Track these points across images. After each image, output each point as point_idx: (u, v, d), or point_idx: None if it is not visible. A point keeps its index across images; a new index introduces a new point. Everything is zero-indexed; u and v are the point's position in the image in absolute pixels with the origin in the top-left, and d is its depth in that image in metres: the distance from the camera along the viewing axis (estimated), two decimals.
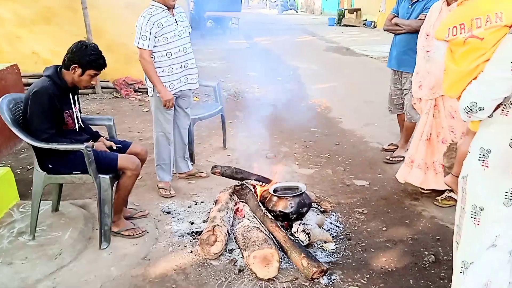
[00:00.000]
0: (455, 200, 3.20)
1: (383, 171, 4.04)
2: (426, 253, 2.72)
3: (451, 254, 2.69)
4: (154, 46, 3.27)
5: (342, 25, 20.77)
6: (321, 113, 6.08)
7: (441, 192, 3.38)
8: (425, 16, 3.68)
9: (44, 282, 2.45)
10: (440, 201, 3.35)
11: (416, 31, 3.77)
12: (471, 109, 1.59)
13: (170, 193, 3.53)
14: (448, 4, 3.12)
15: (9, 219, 3.04)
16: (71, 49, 2.64)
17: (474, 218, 1.68)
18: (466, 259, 1.73)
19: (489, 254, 1.68)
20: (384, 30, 4.17)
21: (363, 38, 15.51)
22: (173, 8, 3.31)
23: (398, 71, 4.11)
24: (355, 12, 21.61)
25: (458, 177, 1.79)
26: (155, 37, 3.25)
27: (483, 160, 1.63)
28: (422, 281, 2.47)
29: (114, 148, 2.89)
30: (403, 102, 4.17)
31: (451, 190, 3.21)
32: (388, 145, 4.52)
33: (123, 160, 2.76)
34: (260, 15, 28.56)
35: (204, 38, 14.27)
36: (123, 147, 2.96)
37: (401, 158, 4.18)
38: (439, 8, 3.20)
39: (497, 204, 1.62)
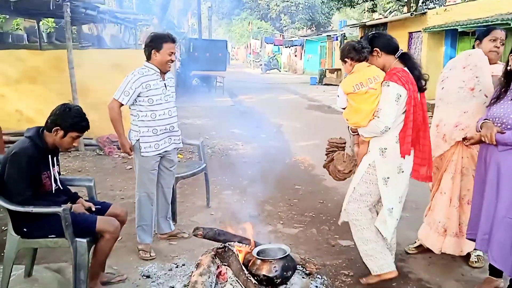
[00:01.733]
0: (486, 261, 3.16)
1: None
2: None
3: None
4: (138, 105, 3.33)
5: (324, 84, 21.52)
6: (304, 170, 6.11)
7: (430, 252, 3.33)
8: None
9: None
10: (474, 262, 3.26)
11: None
12: (385, 130, 2.74)
13: (150, 255, 3.41)
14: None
15: None
16: (54, 111, 2.65)
17: (386, 184, 2.83)
18: (389, 206, 2.85)
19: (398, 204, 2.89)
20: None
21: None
22: (170, 68, 3.43)
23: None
24: (335, 72, 22.50)
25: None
26: (140, 97, 3.30)
27: (382, 154, 2.82)
28: None
29: (93, 209, 2.82)
30: None
31: (476, 249, 3.11)
32: None
33: (101, 222, 2.68)
34: (244, 74, 29.45)
35: (189, 96, 14.54)
36: (102, 208, 2.90)
37: None
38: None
39: (395, 173, 2.81)
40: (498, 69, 3.01)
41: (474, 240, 2.82)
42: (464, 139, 2.87)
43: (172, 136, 3.52)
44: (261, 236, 3.70)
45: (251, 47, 40.74)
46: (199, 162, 4.59)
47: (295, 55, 34.39)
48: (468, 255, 3.29)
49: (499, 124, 2.60)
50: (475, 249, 3.08)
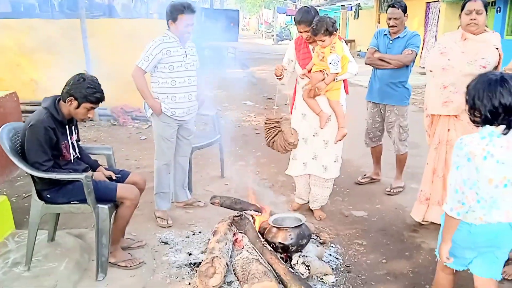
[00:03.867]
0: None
1: (381, 202, 4.04)
2: (428, 286, 2.70)
3: None
4: (159, 72, 3.35)
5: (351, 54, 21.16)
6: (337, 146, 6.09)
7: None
8: (411, 52, 3.82)
9: None
10: None
11: (404, 66, 3.88)
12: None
13: (168, 223, 3.50)
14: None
15: (3, 249, 2.99)
16: (69, 82, 2.66)
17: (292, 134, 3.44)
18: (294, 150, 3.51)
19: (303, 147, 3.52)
20: (366, 64, 4.23)
21: (358, 68, 15.72)
22: (189, 38, 3.43)
23: (380, 104, 4.17)
24: (349, 43, 22.06)
25: None
26: (161, 63, 3.32)
27: (294, 107, 3.56)
28: None
29: (113, 178, 2.88)
30: (380, 135, 4.34)
31: None
32: (362, 178, 4.54)
33: (122, 189, 2.74)
34: (256, 45, 29.07)
35: (200, 67, 14.46)
36: (122, 176, 2.96)
37: (401, 189, 4.21)
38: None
39: (301, 121, 3.47)
40: (488, 37, 2.98)
41: None
42: None
43: (191, 106, 3.55)
44: (275, 205, 3.77)
45: (263, 17, 40.02)
46: (214, 133, 4.62)
47: None
48: None
49: None
50: None
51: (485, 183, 1.85)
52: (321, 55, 3.23)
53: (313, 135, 3.50)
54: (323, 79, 3.24)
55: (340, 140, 3.47)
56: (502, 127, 1.84)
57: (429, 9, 14.79)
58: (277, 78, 3.45)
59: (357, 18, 22.08)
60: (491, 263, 2.02)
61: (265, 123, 3.58)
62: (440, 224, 3.28)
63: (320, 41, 3.18)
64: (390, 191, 4.18)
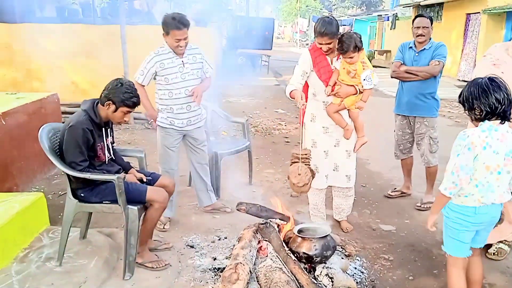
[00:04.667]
0: (506, 252, 3.17)
1: (411, 216, 3.96)
2: None
3: None
4: (157, 84, 3.43)
5: (372, 66, 20.90)
6: (356, 155, 6.04)
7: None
8: (439, 63, 3.79)
9: None
10: (492, 254, 3.20)
11: (431, 77, 3.84)
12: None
13: (164, 227, 3.54)
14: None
15: (38, 244, 3.12)
16: (107, 86, 2.77)
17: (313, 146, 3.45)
18: (315, 163, 3.42)
19: (324, 160, 3.46)
20: (392, 77, 4.17)
21: (392, 79, 15.47)
22: (183, 52, 3.39)
23: (409, 116, 4.12)
24: (384, 54, 21.78)
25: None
26: (158, 76, 3.38)
27: (311, 120, 3.45)
28: None
29: (144, 180, 2.96)
30: (410, 146, 4.26)
31: (501, 242, 3.18)
32: (393, 191, 4.45)
33: (151, 192, 2.82)
34: (290, 53, 29.11)
35: (234, 74, 14.63)
36: (152, 179, 3.04)
37: (431, 205, 4.09)
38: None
39: (323, 134, 3.42)
40: None
41: None
42: None
43: (191, 117, 3.53)
44: (301, 215, 3.76)
45: (298, 25, 40.07)
46: (243, 140, 4.67)
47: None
48: (488, 246, 3.19)
49: None
50: (499, 241, 3.12)
51: (483, 170, 2.17)
52: (353, 72, 3.20)
53: (335, 146, 3.45)
54: (355, 94, 3.23)
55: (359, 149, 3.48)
56: (498, 121, 2.16)
57: (469, 20, 14.40)
58: (299, 107, 3.24)
59: (394, 28, 21.75)
60: (483, 236, 2.41)
61: (291, 158, 3.41)
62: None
63: (349, 58, 3.16)
64: (420, 206, 4.09)
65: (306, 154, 3.28)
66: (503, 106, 2.11)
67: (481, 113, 2.16)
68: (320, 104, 3.41)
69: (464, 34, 14.62)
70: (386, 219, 3.90)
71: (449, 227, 2.33)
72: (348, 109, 3.35)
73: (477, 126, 2.19)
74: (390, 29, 22.34)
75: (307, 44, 32.57)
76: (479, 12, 13.38)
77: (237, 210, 3.20)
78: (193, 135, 3.63)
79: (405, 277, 2.95)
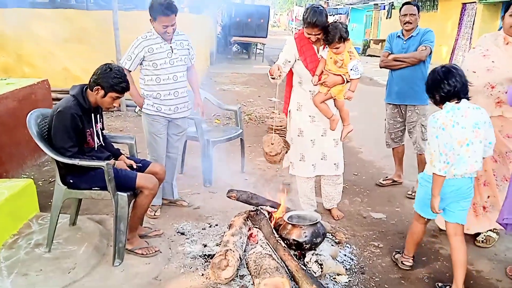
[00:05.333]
0: (494, 239, 3.23)
1: (401, 205, 3.98)
2: None
3: None
4: (144, 69, 3.34)
5: (367, 55, 20.85)
6: (342, 143, 6.04)
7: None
8: (426, 47, 3.82)
9: None
10: (481, 242, 3.25)
11: (420, 62, 3.86)
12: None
13: (155, 214, 3.53)
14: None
15: (27, 230, 3.11)
16: (96, 71, 2.73)
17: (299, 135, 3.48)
18: (302, 152, 3.49)
19: (311, 149, 3.48)
20: (381, 67, 4.18)
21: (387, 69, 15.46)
22: (171, 38, 3.33)
23: (400, 105, 4.14)
24: (380, 43, 21.67)
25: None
26: (145, 61, 3.30)
27: (298, 109, 3.45)
28: None
29: (134, 167, 2.95)
30: (402, 135, 4.30)
31: (490, 230, 3.25)
32: (384, 180, 4.48)
33: (141, 179, 2.81)
34: (285, 42, 28.97)
35: (228, 62, 14.54)
36: (143, 166, 3.02)
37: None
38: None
39: (309, 123, 3.43)
40: None
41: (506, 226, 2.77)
42: None
43: (178, 104, 3.46)
44: (293, 203, 3.76)
45: (294, 14, 39.79)
46: (236, 127, 4.65)
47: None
48: (477, 234, 3.26)
49: None
50: (489, 230, 3.22)
51: (455, 145, 2.43)
52: (340, 62, 3.20)
53: (322, 135, 3.45)
54: (342, 83, 3.23)
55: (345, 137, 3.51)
56: (455, 101, 2.47)
57: (464, 10, 14.35)
58: (271, 78, 3.21)
59: (390, 17, 21.63)
60: (457, 211, 2.61)
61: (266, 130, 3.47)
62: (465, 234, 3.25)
63: (335, 48, 3.14)
64: (411, 194, 4.11)
65: (281, 126, 3.30)
66: (456, 89, 2.44)
67: (439, 98, 2.50)
68: (306, 93, 3.39)
69: (459, 23, 14.58)
70: (377, 207, 3.91)
71: (420, 192, 2.70)
72: (334, 99, 3.35)
73: (442, 109, 2.50)
74: (386, 18, 22.22)
75: None
76: (474, 2, 13.33)
77: (228, 197, 3.20)
78: (177, 122, 3.56)
79: (393, 263, 2.97)
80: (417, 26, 3.98)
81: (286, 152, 3.33)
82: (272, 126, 3.28)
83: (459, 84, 2.44)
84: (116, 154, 3.02)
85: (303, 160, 3.50)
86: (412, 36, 3.96)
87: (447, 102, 2.49)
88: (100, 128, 2.96)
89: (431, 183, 2.51)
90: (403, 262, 2.90)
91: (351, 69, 3.17)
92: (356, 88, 3.28)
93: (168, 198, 3.75)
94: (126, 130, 6.24)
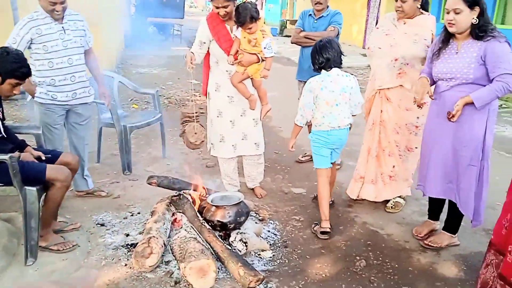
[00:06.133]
0: (402, 205, 3.53)
1: None
2: (358, 258, 2.84)
3: (380, 258, 2.86)
4: (34, 54, 3.04)
5: (284, 36, 21.24)
6: (262, 122, 6.15)
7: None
8: (334, 28, 4.01)
9: None
10: (390, 208, 3.51)
11: None
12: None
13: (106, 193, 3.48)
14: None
15: None
16: None
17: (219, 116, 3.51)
18: (221, 133, 3.51)
19: (231, 130, 3.51)
20: (292, 43, 4.35)
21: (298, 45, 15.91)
22: (62, 17, 3.07)
23: None
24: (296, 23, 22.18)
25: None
26: (34, 44, 3.01)
27: (216, 89, 3.50)
28: (354, 285, 2.57)
29: (43, 158, 2.74)
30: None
31: (397, 196, 3.54)
32: (303, 156, 4.68)
33: (52, 171, 2.62)
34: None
35: (145, 44, 13.98)
36: (53, 157, 2.82)
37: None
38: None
39: (228, 103, 3.49)
40: (423, 21, 3.17)
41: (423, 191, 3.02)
42: (451, 116, 2.67)
43: (77, 89, 3.21)
44: (217, 185, 3.77)
45: None
46: (154, 111, 4.52)
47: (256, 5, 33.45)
48: (387, 201, 3.57)
49: (449, 79, 2.69)
50: (397, 196, 3.53)
51: (324, 105, 3.00)
52: (253, 41, 3.21)
53: (241, 116, 3.48)
54: (257, 62, 3.26)
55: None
56: (326, 69, 3.01)
57: None
58: (188, 69, 3.24)
59: None
60: (335, 154, 3.20)
61: (180, 118, 3.50)
62: (373, 202, 3.53)
63: (247, 29, 3.16)
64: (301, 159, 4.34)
65: (196, 112, 3.40)
66: (329, 60, 2.97)
67: (317, 66, 3.04)
68: (224, 74, 3.38)
69: (368, 4, 15.39)
70: (297, 183, 4.07)
71: (313, 147, 3.15)
72: (251, 78, 3.38)
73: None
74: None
75: None
76: None
77: (148, 184, 3.12)
78: (77, 110, 3.29)
79: (314, 235, 3.12)
80: (327, 6, 4.13)
81: (205, 136, 3.36)
82: (190, 114, 3.31)
83: (332, 56, 2.96)
84: (21, 146, 2.78)
85: (223, 141, 3.51)
86: (322, 16, 4.12)
87: (323, 70, 3.01)
88: (1, 118, 2.71)
89: (319, 140, 3.08)
90: (322, 227, 3.07)
91: (265, 48, 3.21)
92: (271, 67, 3.33)
93: (83, 190, 3.54)
94: (33, 120, 5.69)
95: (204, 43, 3.32)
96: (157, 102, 4.51)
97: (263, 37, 3.22)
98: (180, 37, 16.29)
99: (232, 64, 3.29)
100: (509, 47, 2.56)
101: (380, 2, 14.39)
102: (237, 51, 3.26)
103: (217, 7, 3.15)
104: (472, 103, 2.54)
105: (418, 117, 3.25)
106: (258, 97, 3.49)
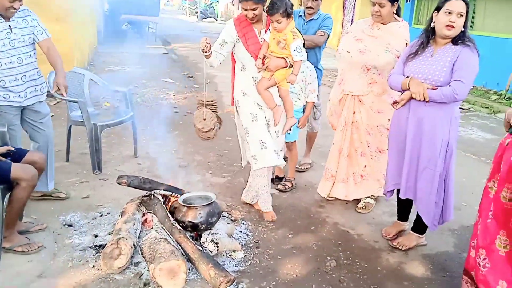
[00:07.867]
0: (372, 205, 3.58)
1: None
2: (328, 258, 2.87)
3: (350, 258, 2.90)
4: None
5: None
6: (235, 122, 6.14)
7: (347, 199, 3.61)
8: (324, 33, 4.00)
9: None
10: (361, 208, 3.57)
11: (316, 46, 4.05)
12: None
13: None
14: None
15: None
16: None
17: (253, 120, 3.20)
18: (261, 138, 3.17)
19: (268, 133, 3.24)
20: None
21: None
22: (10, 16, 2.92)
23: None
24: None
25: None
26: None
27: (244, 94, 3.23)
28: (324, 285, 2.60)
29: (13, 149, 2.64)
30: None
31: (368, 197, 3.60)
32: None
33: (17, 169, 2.54)
34: (179, 21, 28.22)
35: (118, 41, 13.73)
36: (18, 155, 2.73)
37: (308, 166, 4.41)
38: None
39: (258, 109, 3.23)
40: (396, 29, 3.22)
41: (392, 192, 3.07)
42: (395, 102, 2.83)
43: (28, 88, 3.07)
44: (190, 185, 3.73)
45: None
46: (126, 110, 4.44)
47: (233, 4, 33.37)
48: (358, 201, 3.63)
49: (422, 81, 2.74)
50: (367, 197, 3.60)
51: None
52: (283, 43, 3.00)
53: (266, 124, 3.26)
54: (285, 67, 3.06)
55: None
56: None
57: None
58: (205, 55, 2.97)
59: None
60: (294, 134, 3.64)
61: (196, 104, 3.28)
62: (344, 202, 3.57)
63: (276, 21, 2.94)
64: (298, 167, 4.35)
65: (212, 101, 3.18)
66: None
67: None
68: (249, 81, 3.18)
69: (344, 7, 15.59)
70: (272, 184, 4.07)
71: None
72: (278, 87, 3.19)
73: None
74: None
75: (196, 13, 31.87)
76: None
77: (118, 183, 3.06)
78: (34, 108, 3.17)
79: (286, 235, 3.14)
80: (318, 10, 4.11)
81: (219, 127, 3.19)
82: (203, 101, 3.12)
83: None
84: None
85: (265, 146, 3.17)
86: (313, 19, 4.09)
87: None
88: None
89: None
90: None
91: (294, 50, 3.01)
92: (299, 72, 3.15)
93: (41, 191, 3.35)
94: None
95: (227, 43, 3.12)
96: (130, 101, 4.44)
97: (294, 38, 3.01)
98: (155, 35, 16.06)
99: (259, 69, 3.11)
100: (478, 59, 2.62)
101: (355, 6, 14.60)
102: (265, 56, 3.07)
103: (246, 9, 2.99)
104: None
105: (389, 119, 3.31)
106: (283, 109, 3.28)
